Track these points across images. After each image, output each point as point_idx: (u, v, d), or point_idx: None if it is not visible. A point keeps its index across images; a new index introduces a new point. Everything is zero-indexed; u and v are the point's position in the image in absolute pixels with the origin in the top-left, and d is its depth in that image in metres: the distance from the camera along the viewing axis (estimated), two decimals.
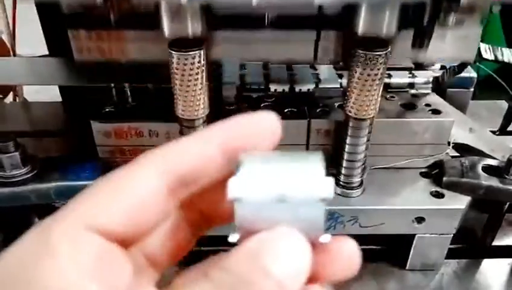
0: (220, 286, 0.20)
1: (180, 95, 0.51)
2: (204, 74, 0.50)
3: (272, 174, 0.21)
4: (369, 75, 0.49)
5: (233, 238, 0.22)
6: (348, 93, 0.53)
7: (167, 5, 0.46)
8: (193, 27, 0.47)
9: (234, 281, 0.20)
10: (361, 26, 0.49)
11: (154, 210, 0.22)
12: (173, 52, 0.48)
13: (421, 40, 0.49)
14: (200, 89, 0.51)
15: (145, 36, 0.52)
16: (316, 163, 0.22)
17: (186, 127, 0.55)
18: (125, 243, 0.22)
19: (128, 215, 0.21)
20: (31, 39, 1.14)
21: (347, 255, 0.24)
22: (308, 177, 0.21)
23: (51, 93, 1.03)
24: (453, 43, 0.53)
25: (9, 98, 1.21)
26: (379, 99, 0.53)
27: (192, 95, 0.51)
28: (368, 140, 0.57)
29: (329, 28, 0.53)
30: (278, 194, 0.21)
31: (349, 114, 0.54)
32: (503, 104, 0.88)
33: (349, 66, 0.52)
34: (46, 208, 0.68)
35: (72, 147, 0.73)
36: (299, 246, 0.21)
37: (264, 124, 0.25)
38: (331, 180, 0.21)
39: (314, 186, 0.21)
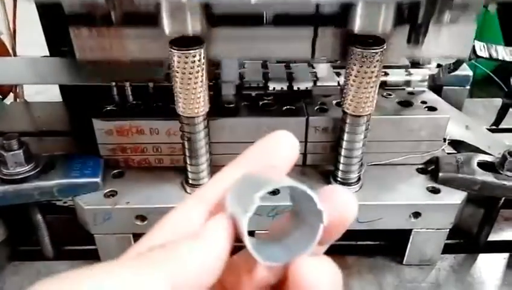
0: None
1: (181, 93, 0.52)
2: (204, 72, 0.51)
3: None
4: (365, 72, 0.51)
5: None
6: (345, 91, 0.54)
7: (167, 4, 0.47)
8: (193, 25, 0.48)
9: None
10: (357, 24, 0.51)
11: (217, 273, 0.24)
12: (174, 50, 0.49)
13: (416, 36, 0.50)
14: (200, 87, 0.52)
15: (146, 34, 0.53)
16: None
17: (187, 124, 0.56)
18: None
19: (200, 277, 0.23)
20: (31, 40, 1.15)
21: (344, 201, 0.25)
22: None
23: (51, 94, 1.04)
24: (448, 40, 0.54)
25: (9, 100, 1.21)
26: (376, 96, 0.54)
27: (192, 93, 0.52)
28: (365, 137, 0.58)
29: (327, 25, 0.54)
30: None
31: (347, 111, 0.55)
32: (499, 102, 0.89)
33: (346, 64, 0.53)
34: (49, 206, 0.69)
35: (73, 146, 0.74)
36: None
37: (283, 144, 0.27)
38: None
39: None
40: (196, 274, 0.23)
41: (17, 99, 1.23)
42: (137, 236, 0.60)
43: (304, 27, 0.54)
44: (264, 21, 0.54)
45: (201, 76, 0.51)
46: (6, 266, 0.65)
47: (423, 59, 0.72)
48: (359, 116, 0.55)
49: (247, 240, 0.24)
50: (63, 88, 0.89)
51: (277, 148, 0.27)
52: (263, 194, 0.24)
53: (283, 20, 0.53)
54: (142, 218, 0.58)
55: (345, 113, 0.56)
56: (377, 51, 0.49)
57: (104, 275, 0.22)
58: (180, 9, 0.47)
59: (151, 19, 0.49)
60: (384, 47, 0.50)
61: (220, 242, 0.24)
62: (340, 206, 0.24)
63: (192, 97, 0.52)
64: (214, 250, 0.24)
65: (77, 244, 0.67)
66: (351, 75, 0.52)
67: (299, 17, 0.53)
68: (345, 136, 0.58)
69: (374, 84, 0.52)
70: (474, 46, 0.62)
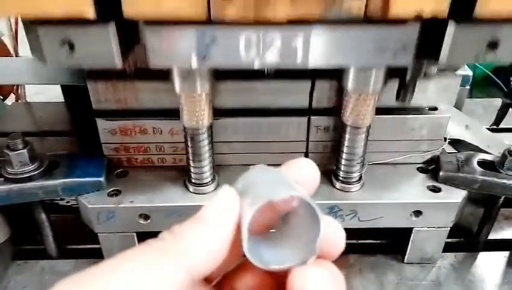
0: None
1: (186, 105, 0.53)
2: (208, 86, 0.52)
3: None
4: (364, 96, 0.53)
5: None
6: (344, 103, 0.55)
7: (178, 69, 0.49)
8: (202, 86, 0.51)
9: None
10: (350, 85, 0.52)
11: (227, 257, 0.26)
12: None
13: (404, 95, 0.53)
14: (203, 105, 0.53)
15: (159, 87, 0.58)
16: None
17: (190, 134, 0.56)
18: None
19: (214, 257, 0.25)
20: None
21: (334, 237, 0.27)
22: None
23: (51, 95, 1.04)
24: (434, 92, 0.59)
25: (10, 100, 1.22)
26: (374, 109, 0.55)
27: (196, 110, 0.53)
28: (365, 143, 0.59)
29: (323, 78, 0.58)
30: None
31: (346, 123, 0.56)
32: (499, 102, 0.89)
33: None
34: (52, 205, 0.70)
35: (76, 146, 0.74)
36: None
37: (305, 172, 0.28)
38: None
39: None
40: (206, 260, 0.24)
41: (19, 100, 1.24)
42: (140, 235, 0.61)
43: (301, 80, 0.59)
44: (265, 73, 0.58)
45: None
46: (11, 265, 0.66)
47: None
48: (359, 127, 0.56)
49: (245, 235, 0.24)
50: (64, 88, 0.89)
51: (299, 170, 0.29)
52: (278, 199, 0.24)
53: (282, 73, 0.58)
54: (145, 217, 0.59)
55: (344, 124, 0.57)
56: None
57: (126, 272, 0.22)
58: (190, 73, 0.49)
59: (165, 74, 0.51)
60: None
61: (226, 226, 0.25)
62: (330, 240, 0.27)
63: (197, 114, 0.54)
64: (220, 234, 0.25)
65: (81, 243, 0.67)
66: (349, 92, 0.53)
67: (297, 72, 0.57)
68: (346, 142, 0.59)
69: (372, 97, 0.53)
70: None
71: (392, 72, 0.51)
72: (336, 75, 0.55)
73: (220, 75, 0.54)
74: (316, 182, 0.28)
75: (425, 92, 0.58)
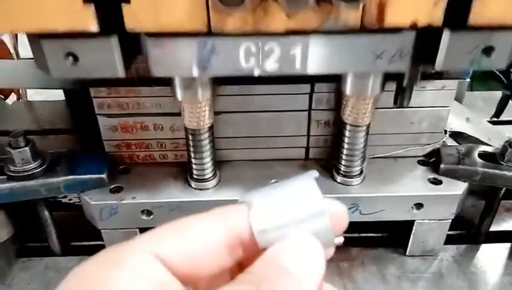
0: (247, 287, 0.22)
1: (186, 108, 0.54)
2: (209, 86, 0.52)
3: (279, 204, 0.25)
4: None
5: None
6: (344, 102, 0.56)
7: (180, 79, 0.50)
8: (203, 94, 0.51)
9: (259, 282, 0.22)
10: (348, 89, 0.53)
11: (213, 259, 0.24)
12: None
13: (401, 100, 0.52)
14: (205, 106, 0.53)
15: (161, 92, 0.58)
16: (309, 183, 0.26)
17: (192, 135, 0.57)
18: (182, 281, 0.23)
19: (191, 255, 0.23)
20: None
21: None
22: (305, 199, 0.25)
23: (52, 94, 1.05)
24: (432, 94, 0.59)
25: (11, 100, 1.22)
26: (374, 108, 0.55)
27: (197, 113, 0.54)
28: (365, 139, 0.59)
29: (323, 81, 0.59)
30: (290, 219, 0.25)
31: (346, 122, 0.57)
32: (499, 95, 0.89)
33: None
34: (55, 203, 0.70)
35: (77, 143, 0.75)
36: (312, 246, 0.24)
37: (335, 213, 0.27)
38: (320, 197, 0.25)
39: (312, 205, 0.25)
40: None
41: (20, 99, 1.24)
42: (143, 231, 0.61)
43: (301, 84, 0.59)
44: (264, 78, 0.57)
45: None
46: (15, 262, 0.66)
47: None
48: (359, 126, 0.56)
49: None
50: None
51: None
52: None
53: (282, 78, 0.57)
54: (148, 213, 0.59)
55: (344, 122, 0.57)
56: None
57: None
58: (191, 83, 0.50)
59: (167, 81, 0.52)
60: None
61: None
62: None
63: (198, 116, 0.54)
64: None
65: (84, 240, 0.68)
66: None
67: (296, 76, 0.56)
68: (346, 140, 0.59)
69: (370, 100, 0.54)
70: None
71: (390, 76, 0.51)
72: (335, 78, 0.56)
73: (219, 80, 0.55)
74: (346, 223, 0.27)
75: (422, 95, 0.59)
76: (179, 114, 0.58)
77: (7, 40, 1.06)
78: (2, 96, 1.03)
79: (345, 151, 0.60)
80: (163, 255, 0.23)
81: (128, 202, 0.58)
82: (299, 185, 0.26)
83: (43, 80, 0.75)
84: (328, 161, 0.65)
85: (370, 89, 0.52)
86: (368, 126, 0.58)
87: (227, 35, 0.38)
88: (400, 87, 0.52)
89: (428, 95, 0.60)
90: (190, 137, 0.57)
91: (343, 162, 0.61)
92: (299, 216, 0.25)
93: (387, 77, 0.52)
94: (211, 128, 0.58)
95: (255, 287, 0.22)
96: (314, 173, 0.26)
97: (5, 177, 0.57)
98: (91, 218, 0.61)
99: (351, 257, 0.66)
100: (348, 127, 0.58)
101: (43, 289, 0.62)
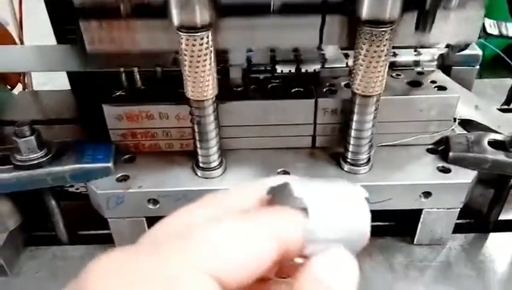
0: None
1: (190, 76, 0.52)
2: (212, 54, 0.51)
3: (331, 216, 0.25)
4: (375, 51, 0.50)
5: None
6: (354, 71, 0.54)
7: None
8: (201, 16, 0.48)
9: None
10: (364, 12, 0.49)
11: (262, 272, 0.23)
12: (182, 33, 0.49)
13: (423, 23, 0.50)
14: (208, 70, 0.52)
15: (155, 25, 0.53)
16: (360, 201, 0.26)
17: (196, 108, 0.56)
18: None
19: (245, 272, 0.22)
20: (39, 32, 1.16)
21: None
22: (356, 220, 0.25)
23: (57, 84, 1.05)
24: (455, 25, 0.53)
25: (17, 90, 1.22)
26: (385, 75, 0.53)
27: (201, 76, 0.52)
28: (374, 117, 0.58)
29: (334, 12, 0.53)
30: (339, 236, 0.24)
31: (356, 92, 0.55)
32: (509, 83, 0.88)
33: (356, 43, 0.52)
34: (62, 192, 0.70)
35: (83, 133, 0.75)
36: (351, 263, 0.24)
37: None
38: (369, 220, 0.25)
39: (361, 228, 0.25)
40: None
41: (26, 90, 1.24)
42: (150, 220, 0.61)
43: (311, 15, 0.53)
44: (271, 9, 0.53)
45: (210, 59, 0.51)
46: (23, 251, 0.67)
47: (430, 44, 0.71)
48: (369, 96, 0.55)
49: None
50: (71, 76, 0.89)
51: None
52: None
53: (290, 8, 0.53)
54: (154, 202, 0.59)
55: (354, 94, 0.56)
56: (386, 29, 0.49)
57: None
58: (188, 1, 0.47)
59: (160, 11, 0.49)
60: (394, 25, 0.49)
61: None
62: None
63: (201, 80, 0.52)
64: None
65: (91, 229, 0.68)
66: (360, 54, 0.52)
67: (306, 6, 0.52)
68: (355, 117, 0.58)
69: (384, 63, 0.52)
70: (484, 24, 0.61)
71: (410, 4, 0.48)
72: (348, 9, 0.51)
73: (222, 11, 0.51)
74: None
75: (445, 25, 0.53)
76: (184, 103, 0.57)
77: (12, 29, 1.06)
78: (9, 87, 1.03)
79: (352, 133, 0.59)
80: (219, 276, 0.21)
81: (134, 191, 0.58)
82: (351, 200, 0.25)
83: (46, 64, 0.75)
84: (335, 149, 0.64)
85: (389, 9, 0.47)
86: (378, 100, 0.56)
87: None
88: (423, 11, 0.49)
89: (450, 26, 0.53)
90: (195, 120, 0.56)
91: (350, 148, 0.60)
92: (347, 235, 0.24)
93: (407, 5, 0.48)
94: (216, 111, 0.57)
95: None
96: (365, 193, 0.26)
97: (12, 166, 0.57)
98: (98, 207, 0.61)
99: None
100: (357, 100, 0.56)
101: (50, 277, 0.63)
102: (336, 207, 0.25)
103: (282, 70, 0.66)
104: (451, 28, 0.53)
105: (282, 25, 0.54)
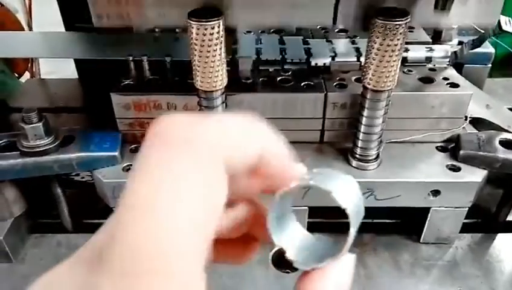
0: None
1: (199, 66, 0.52)
2: (222, 45, 0.51)
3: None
4: (388, 45, 0.49)
5: None
6: (366, 65, 0.53)
7: None
8: None
9: None
10: None
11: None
12: (192, 22, 0.48)
13: (443, 2, 0.48)
14: (218, 60, 0.51)
15: (164, 0, 0.52)
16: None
17: (205, 99, 0.55)
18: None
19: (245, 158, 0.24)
20: (48, 20, 1.15)
21: None
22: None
23: (65, 73, 1.05)
24: (476, 7, 0.52)
25: (24, 78, 1.22)
26: (398, 70, 0.53)
27: (211, 66, 0.51)
28: (385, 113, 0.57)
29: None
30: None
31: (368, 86, 0.54)
32: None
33: (368, 36, 0.51)
34: (67, 181, 0.70)
35: (90, 121, 0.74)
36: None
37: None
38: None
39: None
40: None
41: (33, 78, 1.24)
42: None
43: None
44: None
45: (220, 49, 0.51)
46: (28, 238, 0.67)
47: (445, 35, 0.70)
48: (380, 91, 0.54)
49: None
50: (79, 64, 0.89)
51: None
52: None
53: None
54: None
55: (365, 88, 0.55)
56: (400, 23, 0.48)
57: None
58: None
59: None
60: (408, 19, 0.48)
61: None
62: None
63: (211, 70, 0.52)
64: None
65: (96, 217, 0.68)
66: (373, 48, 0.51)
67: None
68: (365, 112, 0.57)
69: (397, 57, 0.51)
70: (499, 21, 0.60)
71: None
72: None
73: None
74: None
75: (464, 6, 0.52)
76: (193, 93, 0.57)
77: (21, 16, 1.06)
78: (16, 74, 1.03)
79: (362, 129, 0.58)
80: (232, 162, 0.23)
81: None
82: (347, 178, 0.26)
83: (54, 50, 0.75)
84: (343, 145, 0.64)
85: None
86: (389, 96, 0.55)
87: None
88: None
89: (471, 6, 0.52)
90: (203, 104, 0.56)
91: (359, 144, 0.60)
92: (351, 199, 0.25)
93: None
94: (224, 102, 0.56)
95: None
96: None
97: (18, 152, 0.57)
98: (103, 196, 0.61)
99: (363, 243, 0.66)
100: (368, 94, 0.55)
101: (55, 265, 0.63)
102: (335, 178, 0.25)
103: (292, 60, 0.66)
104: (472, 8, 0.52)
105: (295, 2, 0.52)
